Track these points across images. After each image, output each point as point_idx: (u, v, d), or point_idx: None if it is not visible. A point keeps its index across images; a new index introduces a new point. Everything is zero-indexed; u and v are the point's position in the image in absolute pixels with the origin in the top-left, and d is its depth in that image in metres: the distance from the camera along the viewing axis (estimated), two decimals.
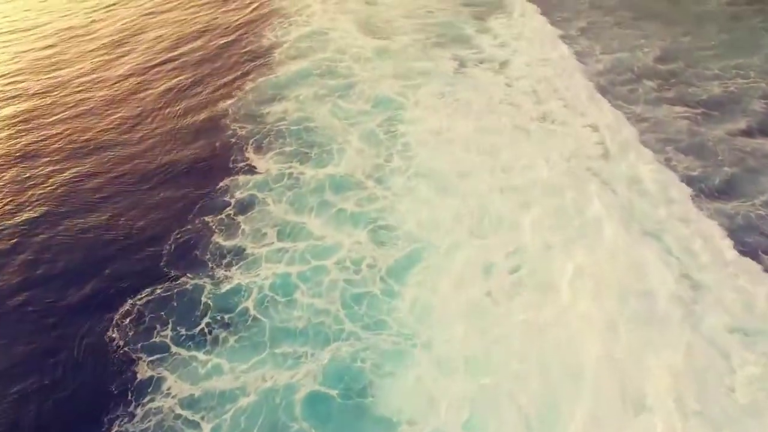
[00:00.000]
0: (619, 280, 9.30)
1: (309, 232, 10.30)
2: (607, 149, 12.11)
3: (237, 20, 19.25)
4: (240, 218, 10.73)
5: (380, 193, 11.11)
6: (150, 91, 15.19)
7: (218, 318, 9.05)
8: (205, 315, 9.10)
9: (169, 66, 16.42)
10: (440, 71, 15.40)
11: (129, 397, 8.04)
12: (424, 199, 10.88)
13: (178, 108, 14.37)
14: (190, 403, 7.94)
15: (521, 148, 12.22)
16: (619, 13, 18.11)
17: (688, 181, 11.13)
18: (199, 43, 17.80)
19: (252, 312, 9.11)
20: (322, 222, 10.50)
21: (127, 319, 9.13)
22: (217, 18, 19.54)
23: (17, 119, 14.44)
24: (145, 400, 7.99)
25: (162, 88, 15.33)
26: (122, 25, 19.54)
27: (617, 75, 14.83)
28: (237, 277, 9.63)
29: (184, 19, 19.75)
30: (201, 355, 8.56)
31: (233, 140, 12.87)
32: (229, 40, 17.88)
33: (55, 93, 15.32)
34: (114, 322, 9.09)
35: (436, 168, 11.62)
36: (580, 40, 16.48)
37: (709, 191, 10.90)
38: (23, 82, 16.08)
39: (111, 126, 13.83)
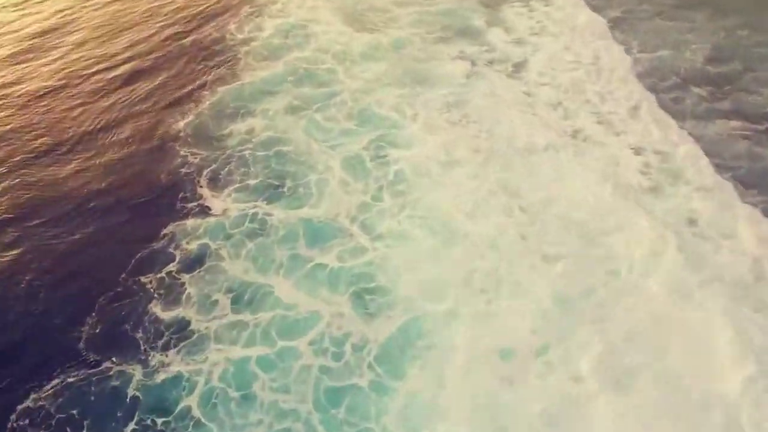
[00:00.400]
0: (678, 367, 7.97)
1: (275, 298, 9.09)
2: (655, 178, 10.87)
3: (196, 12, 17.91)
4: (185, 278, 9.51)
5: (368, 242, 9.88)
6: (83, 108, 13.86)
7: (148, 421, 7.77)
8: (132, 417, 7.80)
9: (110, 74, 15.08)
10: (443, 75, 14.18)
11: None
12: (424, 251, 9.64)
13: (116, 130, 13.05)
14: None
15: (545, 177, 10.98)
16: (659, 0, 16.74)
17: (756, 220, 9.83)
18: (147, 42, 16.48)
19: (195, 413, 7.84)
20: (293, 284, 9.30)
21: (27, 422, 7.81)
22: (173, 9, 18.21)
23: None
24: None
25: (98, 103, 13.99)
26: (57, 19, 18.11)
27: (659, 80, 13.56)
28: (177, 363, 8.36)
29: (132, 10, 18.37)
30: None
31: (183, 171, 11.61)
32: (184, 39, 16.52)
33: None
34: (9, 426, 7.74)
35: (438, 206, 10.40)
36: (613, 35, 15.17)
37: None
38: None
39: (31, 155, 12.47)
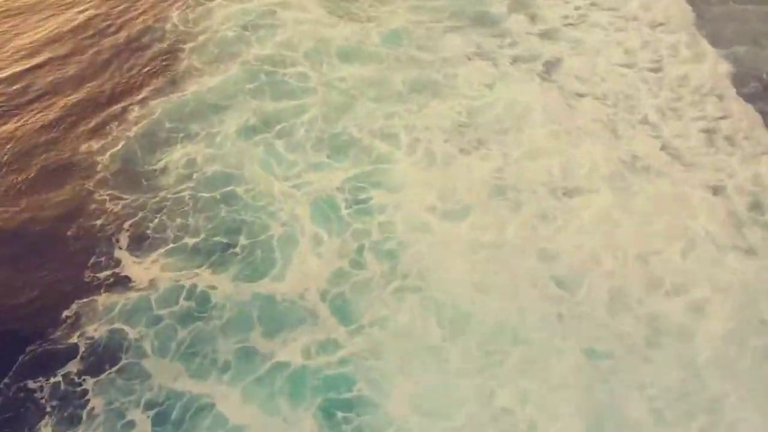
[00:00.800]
0: None
1: (217, 416, 8.22)
2: (743, 231, 10.10)
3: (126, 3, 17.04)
4: (89, 384, 8.59)
5: (344, 331, 8.92)
6: None
7: None
8: None
9: (12, 87, 13.97)
10: (453, 81, 13.52)
11: None
12: (422, 345, 8.74)
13: (10, 165, 11.99)
14: None
15: (591, 231, 10.17)
16: None
17: None
18: (59, 39, 15.52)
19: None
20: (242, 394, 8.44)
21: None
22: None
23: None
24: None
25: None
26: None
27: (737, 86, 12.99)
28: None
29: None
30: None
31: (98, 224, 10.70)
32: (109, 33, 15.64)
33: None
34: None
35: (441, 277, 9.56)
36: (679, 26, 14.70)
37: None
38: None
39: None
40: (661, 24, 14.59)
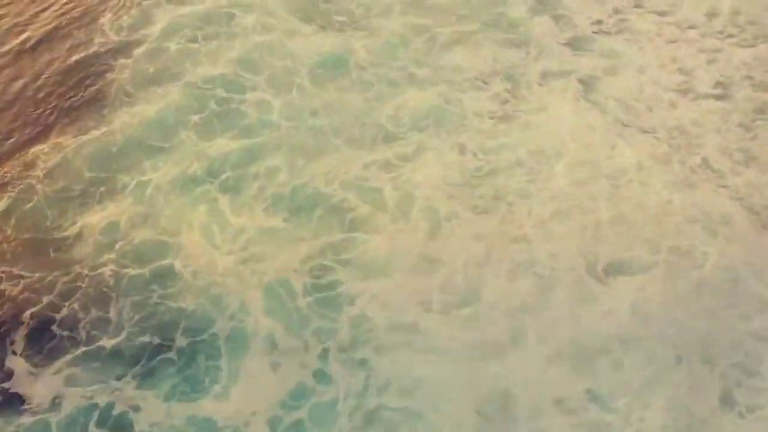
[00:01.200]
0: None
1: None
2: None
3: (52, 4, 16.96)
4: None
5: None
6: None
7: None
8: None
9: None
10: (462, 109, 13.09)
11: None
12: None
13: None
14: None
15: (643, 324, 9.45)
16: None
17: None
18: None
19: None
20: None
21: None
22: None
23: None
24: None
25: None
26: None
27: None
28: None
29: None
30: None
31: None
32: (20, 52, 15.44)
33: None
34: None
35: (432, 396, 8.87)
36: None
37: None
38: None
39: None
40: (730, 35, 14.16)
